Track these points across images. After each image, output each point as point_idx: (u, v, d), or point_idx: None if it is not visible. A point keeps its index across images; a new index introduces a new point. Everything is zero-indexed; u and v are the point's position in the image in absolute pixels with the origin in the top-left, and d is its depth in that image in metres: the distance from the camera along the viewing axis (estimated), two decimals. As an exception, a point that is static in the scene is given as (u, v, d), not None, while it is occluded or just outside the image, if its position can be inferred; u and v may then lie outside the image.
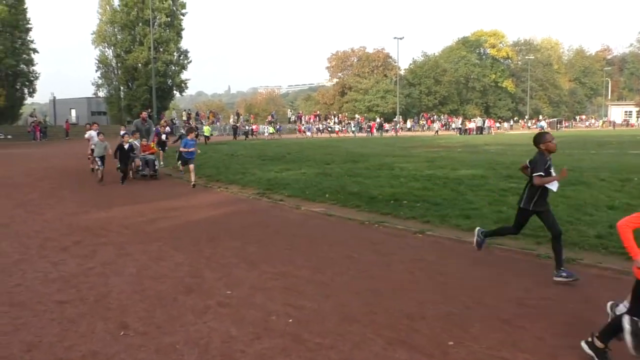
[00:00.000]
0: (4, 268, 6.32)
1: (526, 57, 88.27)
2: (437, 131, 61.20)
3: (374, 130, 60.62)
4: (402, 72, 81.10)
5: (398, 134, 60.25)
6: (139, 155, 16.39)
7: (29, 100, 61.61)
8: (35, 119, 46.68)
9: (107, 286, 5.66)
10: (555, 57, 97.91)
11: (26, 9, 53.87)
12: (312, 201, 11.53)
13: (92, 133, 17.71)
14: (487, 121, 64.98)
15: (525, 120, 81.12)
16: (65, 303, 5.12)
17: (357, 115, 71.83)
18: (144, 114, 19.05)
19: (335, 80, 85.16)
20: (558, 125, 76.07)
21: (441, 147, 31.00)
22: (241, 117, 61.83)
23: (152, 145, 17.98)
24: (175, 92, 62.03)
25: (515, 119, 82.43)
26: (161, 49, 56.82)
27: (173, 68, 59.06)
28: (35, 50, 55.32)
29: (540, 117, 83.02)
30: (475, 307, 5.11)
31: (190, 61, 60.95)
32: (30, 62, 55.16)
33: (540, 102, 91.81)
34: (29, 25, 54.42)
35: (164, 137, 21.54)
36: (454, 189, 12.44)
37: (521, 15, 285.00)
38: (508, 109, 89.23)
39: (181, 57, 59.98)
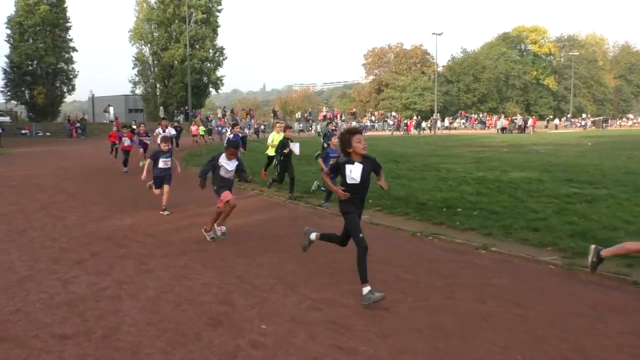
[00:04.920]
0: (7, 287, 5.50)
1: (569, 54, 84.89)
2: (502, 129, 57.68)
3: (411, 129, 59.11)
4: (440, 69, 79.11)
5: (436, 132, 58.49)
6: None
7: (69, 99, 62.48)
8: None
9: (118, 315, 4.76)
10: (600, 54, 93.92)
11: (66, 7, 54.49)
12: (354, 207, 10.50)
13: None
14: (530, 120, 62.44)
15: (567, 118, 77.92)
16: (67, 338, 4.23)
17: (393, 113, 70.38)
18: None
19: (371, 77, 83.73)
20: (604, 124, 72.93)
21: (485, 147, 29.54)
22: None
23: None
24: (210, 89, 61.88)
25: (550, 117, 78.76)
26: (197, 46, 56.72)
27: (208, 65, 58.95)
28: (74, 49, 55.92)
29: (584, 115, 79.75)
30: (575, 357, 4.00)
31: (226, 58, 60.82)
32: (69, 60, 55.82)
33: (584, 100, 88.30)
34: (69, 24, 55.08)
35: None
36: (512, 194, 11.24)
37: (564, 10, 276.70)
38: (549, 106, 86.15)
39: (217, 54, 59.84)
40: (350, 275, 6.03)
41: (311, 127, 55.90)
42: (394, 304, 5.12)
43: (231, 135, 16.23)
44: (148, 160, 10.23)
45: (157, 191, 10.07)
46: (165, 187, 9.92)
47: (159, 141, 18.80)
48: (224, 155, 7.69)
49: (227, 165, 7.68)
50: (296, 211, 10.48)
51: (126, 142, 17.37)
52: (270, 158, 14.02)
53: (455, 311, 4.95)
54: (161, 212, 9.81)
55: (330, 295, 5.37)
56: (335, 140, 10.73)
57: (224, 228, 7.75)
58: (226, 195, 7.61)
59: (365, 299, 4.99)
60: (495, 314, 4.90)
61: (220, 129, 33.68)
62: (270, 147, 13.78)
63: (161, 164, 9.92)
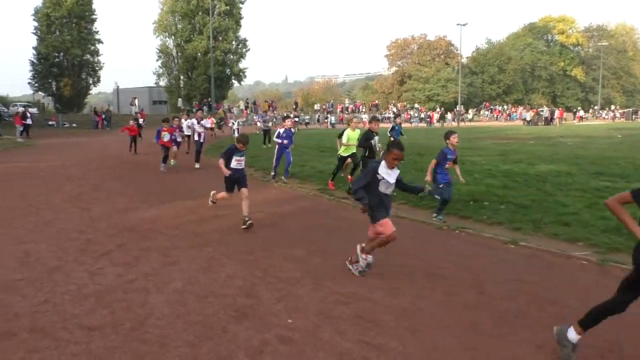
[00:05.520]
0: (36, 278, 5.54)
1: (598, 44, 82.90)
2: (529, 121, 56.69)
3: (434, 120, 58.53)
4: (464, 60, 78.01)
5: (460, 124, 57.70)
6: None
7: (94, 90, 63.21)
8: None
9: (145, 307, 4.75)
10: (630, 44, 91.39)
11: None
12: (379, 200, 10.38)
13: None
14: (556, 111, 61.21)
15: (594, 109, 76.29)
16: (95, 330, 4.23)
17: (416, 105, 69.74)
18: None
19: (394, 68, 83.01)
20: (633, 116, 71.30)
21: (510, 139, 29.09)
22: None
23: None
24: (233, 81, 61.98)
25: (577, 108, 76.85)
26: (220, 38, 56.79)
27: (231, 57, 58.96)
28: (100, 41, 56.46)
29: (612, 107, 78.01)
30: (613, 358, 3.86)
31: (249, 49, 60.71)
32: (95, 52, 56.36)
33: (613, 91, 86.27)
34: (94, 16, 55.57)
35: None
36: (540, 188, 11.02)
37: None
38: (577, 98, 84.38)
39: (240, 46, 59.83)
40: (377, 269, 5.95)
41: (327, 118, 55.25)
42: (422, 299, 5.03)
43: (281, 130, 13.20)
44: (220, 160, 8.22)
45: (224, 195, 8.46)
46: (243, 191, 8.14)
47: (187, 133, 18.30)
48: (383, 163, 5.56)
49: (389, 176, 5.60)
50: (320, 204, 10.40)
51: (165, 137, 15.29)
52: (342, 160, 11.88)
53: (486, 308, 4.83)
54: (242, 227, 7.84)
55: (356, 289, 5.29)
56: (455, 139, 8.56)
57: (370, 258, 5.76)
58: (387, 225, 5.54)
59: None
60: (528, 311, 4.77)
61: (232, 123, 30.16)
62: (343, 147, 11.70)
63: (234, 163, 8.17)
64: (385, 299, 5.02)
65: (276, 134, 13.40)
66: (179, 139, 16.23)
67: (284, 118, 14.69)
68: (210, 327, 4.32)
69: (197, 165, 16.19)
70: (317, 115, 58.73)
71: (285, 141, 12.99)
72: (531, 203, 9.35)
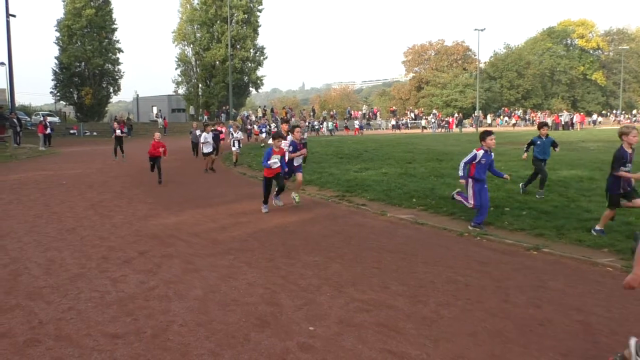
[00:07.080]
0: (59, 285, 5.60)
1: (619, 48, 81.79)
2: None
3: (453, 126, 58.20)
4: (482, 66, 77.46)
5: (478, 129, 57.22)
6: None
7: (114, 99, 64.06)
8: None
9: (168, 314, 4.77)
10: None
11: (112, 9, 55.90)
12: (398, 206, 10.35)
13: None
14: (575, 116, 60.43)
15: (616, 114, 75.16)
16: (118, 338, 4.26)
17: (434, 111, 69.39)
18: None
19: (411, 74, 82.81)
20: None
21: (530, 144, 28.73)
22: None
23: None
24: (251, 88, 62.37)
25: (602, 112, 75.85)
26: (238, 46, 57.27)
27: (249, 65, 59.39)
28: (120, 50, 57.26)
29: (635, 111, 76.81)
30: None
31: (266, 57, 61.12)
32: (115, 61, 57.18)
33: (635, 95, 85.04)
34: (115, 26, 56.46)
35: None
36: (562, 193, 10.87)
37: (613, 3, 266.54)
38: (597, 102, 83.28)
39: (257, 54, 60.27)
40: (397, 276, 5.91)
41: (322, 125, 53.13)
42: (445, 307, 4.97)
43: (479, 153, 8.19)
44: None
45: None
46: None
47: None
48: None
49: None
50: (338, 210, 10.37)
51: (275, 162, 9.69)
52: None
53: (510, 315, 4.76)
54: None
55: (377, 296, 5.25)
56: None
57: None
58: None
59: None
60: (553, 319, 4.68)
61: (230, 133, 21.15)
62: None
63: None
64: (407, 307, 4.97)
65: (469, 157, 8.28)
66: (286, 168, 10.34)
67: (485, 135, 8.33)
68: (232, 336, 4.32)
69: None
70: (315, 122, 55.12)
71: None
72: (554, 209, 9.22)
